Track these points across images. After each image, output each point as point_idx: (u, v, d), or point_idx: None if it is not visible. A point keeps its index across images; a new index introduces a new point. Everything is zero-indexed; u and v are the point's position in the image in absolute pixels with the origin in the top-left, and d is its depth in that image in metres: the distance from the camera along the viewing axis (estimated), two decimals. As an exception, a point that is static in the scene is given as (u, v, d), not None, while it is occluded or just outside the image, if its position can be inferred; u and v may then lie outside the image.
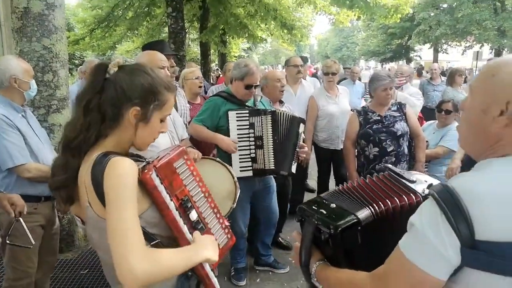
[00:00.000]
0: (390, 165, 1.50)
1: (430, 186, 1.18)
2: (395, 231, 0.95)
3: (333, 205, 1.20)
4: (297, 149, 2.93)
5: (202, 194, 1.35)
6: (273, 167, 2.81)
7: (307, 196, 4.64)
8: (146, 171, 1.11)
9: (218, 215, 1.41)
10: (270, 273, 3.25)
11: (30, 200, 2.18)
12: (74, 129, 1.17)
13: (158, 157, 1.22)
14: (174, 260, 1.07)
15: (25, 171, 2.10)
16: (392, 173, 1.35)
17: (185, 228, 1.21)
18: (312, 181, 5.16)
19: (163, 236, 1.18)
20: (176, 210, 1.19)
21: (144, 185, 1.12)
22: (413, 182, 1.27)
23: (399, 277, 0.86)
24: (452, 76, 5.69)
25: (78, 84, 4.34)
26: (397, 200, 1.18)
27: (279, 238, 3.70)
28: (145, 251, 1.00)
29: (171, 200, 1.18)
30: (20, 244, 2.00)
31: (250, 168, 2.81)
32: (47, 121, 3.11)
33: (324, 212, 1.17)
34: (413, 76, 5.88)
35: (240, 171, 2.77)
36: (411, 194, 1.20)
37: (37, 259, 2.28)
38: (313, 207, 1.22)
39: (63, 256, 3.36)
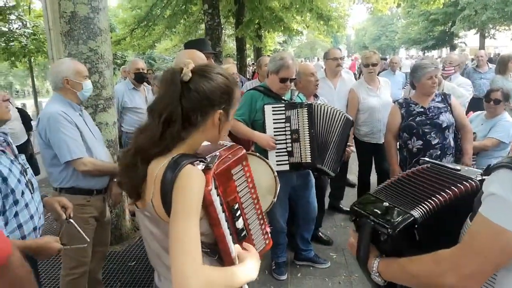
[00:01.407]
0: (427, 159, 1.48)
1: (487, 169, 1.14)
2: (457, 213, 1.03)
3: (386, 204, 1.20)
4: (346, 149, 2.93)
5: (252, 201, 1.35)
6: (310, 161, 2.78)
7: (347, 191, 4.58)
8: (206, 183, 1.12)
9: (261, 222, 1.42)
10: (311, 268, 3.24)
11: (83, 193, 2.36)
12: (150, 140, 1.18)
13: (217, 157, 1.23)
14: (224, 281, 1.08)
15: (82, 165, 2.25)
16: (435, 165, 1.34)
17: (231, 246, 1.22)
18: (353, 175, 5.08)
19: (208, 243, 1.21)
20: (226, 220, 1.20)
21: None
22: (458, 170, 1.26)
23: (488, 241, 0.90)
24: (504, 64, 5.32)
25: (123, 84, 4.51)
26: (455, 190, 1.15)
27: (320, 233, 3.68)
28: (202, 268, 1.01)
29: (223, 211, 1.19)
30: (75, 245, 2.07)
31: (287, 162, 2.80)
32: (95, 120, 3.25)
33: (379, 212, 1.18)
34: (463, 65, 5.57)
35: (277, 165, 2.77)
36: (468, 181, 1.17)
37: (91, 249, 2.43)
38: (367, 207, 1.23)
39: (111, 248, 3.54)
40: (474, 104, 4.99)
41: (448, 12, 24.64)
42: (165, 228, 1.16)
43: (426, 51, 32.60)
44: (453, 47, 30.78)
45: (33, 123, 4.93)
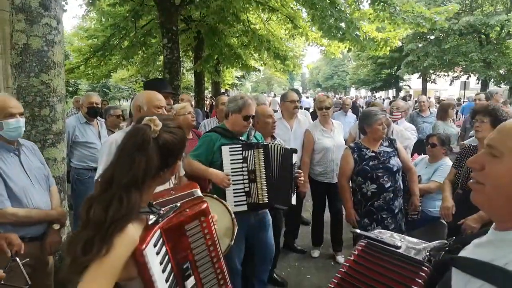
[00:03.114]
0: (358, 231, 1.49)
1: (433, 250, 1.15)
2: None
3: None
4: (293, 180, 2.95)
5: (209, 260, 1.30)
6: (267, 201, 2.81)
7: (302, 229, 4.61)
8: (140, 242, 1.08)
9: (222, 282, 1.36)
10: (266, 311, 3.18)
11: None
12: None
13: (173, 210, 1.20)
14: None
15: (1, 216, 2.10)
16: (372, 242, 1.31)
17: None
18: (307, 213, 5.15)
19: None
20: (167, 280, 1.14)
21: (135, 257, 1.08)
22: (399, 248, 1.24)
23: None
24: (444, 110, 5.74)
25: (74, 118, 4.33)
26: None
27: (274, 274, 3.64)
28: None
29: (167, 270, 1.13)
30: (15, 284, 1.94)
31: (245, 202, 2.81)
32: (42, 155, 3.08)
33: None
34: (409, 111, 5.98)
35: (235, 205, 2.77)
36: (422, 269, 1.14)
37: None
38: None
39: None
40: (418, 146, 5.33)
41: (393, 57, 26.56)
42: None
43: (374, 91, 34.66)
44: (398, 89, 33.03)
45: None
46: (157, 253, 1.12)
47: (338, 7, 7.55)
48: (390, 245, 1.26)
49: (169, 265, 1.16)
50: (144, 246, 1.07)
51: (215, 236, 1.32)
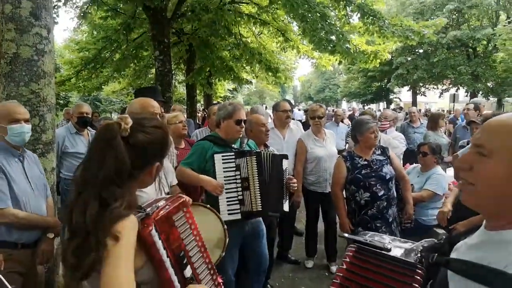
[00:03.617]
0: (346, 235, 1.48)
1: (424, 251, 1.13)
2: None
3: None
4: (285, 186, 2.93)
5: (198, 249, 1.32)
6: (260, 209, 2.77)
7: (295, 240, 4.58)
8: (145, 226, 1.10)
9: (212, 271, 1.38)
10: (259, 323, 3.12)
11: (4, 246, 2.19)
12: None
13: (157, 208, 1.21)
14: None
15: (1, 216, 2.11)
16: (362, 246, 1.30)
17: None
18: (300, 223, 5.12)
19: None
20: (172, 267, 1.15)
21: (143, 241, 1.10)
22: (389, 250, 1.23)
23: None
24: (435, 121, 5.79)
25: (64, 128, 4.28)
26: None
27: (268, 285, 3.59)
28: None
29: (168, 256, 1.15)
30: None
31: (239, 210, 2.77)
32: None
33: None
34: (397, 121, 6.04)
35: (228, 214, 2.73)
36: (416, 271, 1.13)
37: None
38: None
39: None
40: (409, 155, 5.38)
41: (383, 70, 26.94)
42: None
43: (365, 104, 35.01)
44: (389, 102, 33.44)
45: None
46: (159, 238, 1.15)
47: (328, 21, 7.67)
48: (380, 248, 1.25)
49: (168, 255, 1.18)
50: (151, 228, 1.11)
51: (198, 226, 1.36)
